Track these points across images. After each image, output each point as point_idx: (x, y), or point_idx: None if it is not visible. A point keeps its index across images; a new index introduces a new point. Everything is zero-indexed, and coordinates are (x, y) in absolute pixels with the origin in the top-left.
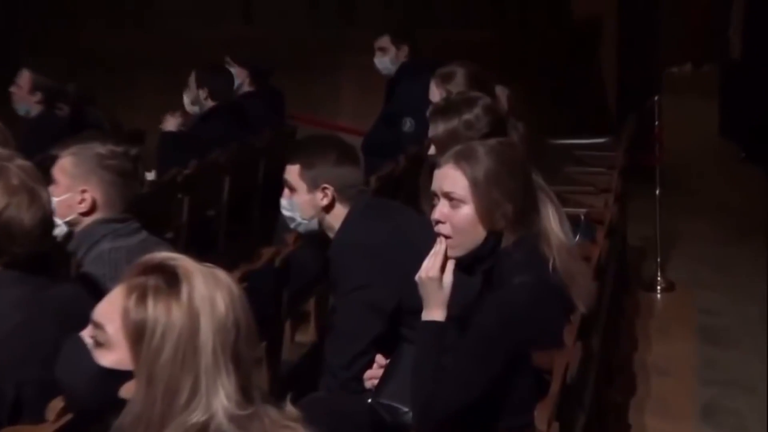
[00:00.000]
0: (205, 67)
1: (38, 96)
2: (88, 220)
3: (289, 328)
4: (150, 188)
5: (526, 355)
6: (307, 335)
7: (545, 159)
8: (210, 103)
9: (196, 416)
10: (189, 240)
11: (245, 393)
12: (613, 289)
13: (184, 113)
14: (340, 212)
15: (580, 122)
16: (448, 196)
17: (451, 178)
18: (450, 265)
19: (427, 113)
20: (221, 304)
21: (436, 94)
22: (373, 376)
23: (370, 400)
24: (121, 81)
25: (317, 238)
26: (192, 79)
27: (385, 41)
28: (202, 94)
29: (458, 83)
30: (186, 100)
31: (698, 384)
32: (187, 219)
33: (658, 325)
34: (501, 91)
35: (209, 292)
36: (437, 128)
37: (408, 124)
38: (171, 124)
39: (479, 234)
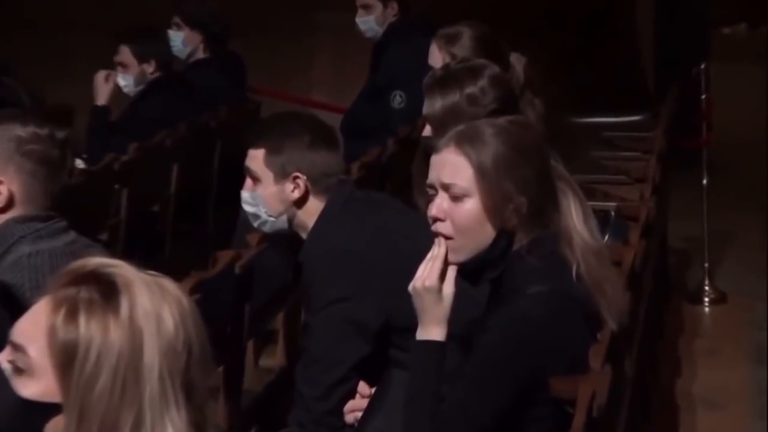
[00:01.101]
0: (137, 35)
1: None
2: (2, 218)
3: (252, 350)
4: (80, 178)
5: (543, 383)
6: (274, 359)
7: (567, 141)
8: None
9: None
10: (128, 242)
11: (199, 429)
12: (651, 300)
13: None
14: (314, 207)
15: (609, 96)
16: (449, 188)
17: (452, 166)
18: (451, 273)
19: (423, 85)
20: (169, 320)
21: (438, 58)
22: (355, 408)
23: None
24: (46, 46)
25: (287, 239)
26: (126, 56)
27: None
28: (149, 68)
29: (464, 46)
30: (124, 82)
31: (754, 418)
32: (125, 216)
33: (706, 346)
34: (517, 60)
35: (154, 306)
36: (434, 104)
37: (398, 99)
38: (104, 94)
39: (487, 234)
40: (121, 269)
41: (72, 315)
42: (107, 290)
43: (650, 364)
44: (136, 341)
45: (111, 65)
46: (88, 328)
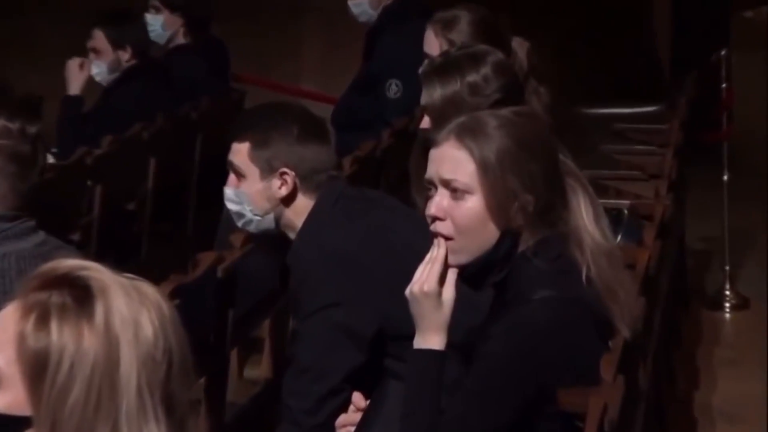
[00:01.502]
0: (112, 19)
1: None
2: None
3: (236, 360)
4: (49, 174)
5: (550, 395)
6: (259, 369)
7: (576, 134)
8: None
9: None
10: (101, 243)
11: None
12: (667, 306)
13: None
14: (303, 205)
15: (622, 85)
16: (449, 185)
17: (452, 161)
18: (451, 276)
19: (420, 73)
20: (148, 328)
21: (434, 45)
22: (347, 422)
23: None
24: (13, 30)
25: (273, 239)
26: (100, 42)
27: None
28: (124, 55)
29: (462, 32)
30: (97, 69)
31: None
32: (98, 214)
33: (727, 355)
34: (519, 45)
35: (132, 312)
36: (433, 93)
37: (394, 88)
38: (78, 83)
39: (490, 234)
40: (96, 272)
41: (43, 321)
42: (81, 295)
43: (666, 374)
44: (113, 350)
45: (84, 52)
46: (60, 335)
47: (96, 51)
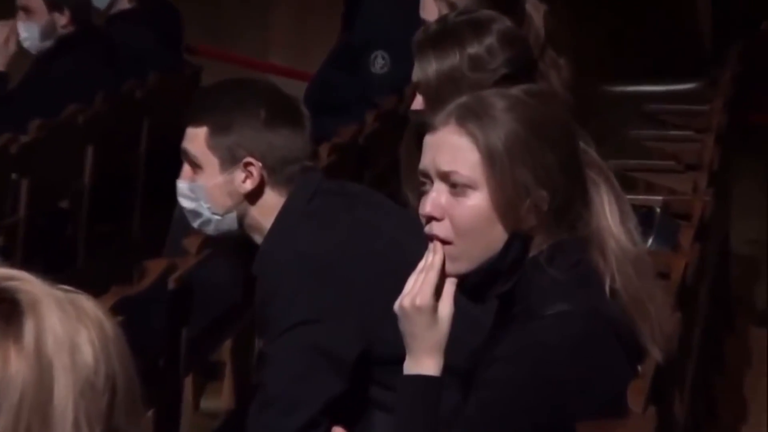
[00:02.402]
0: None
1: None
2: None
3: (191, 388)
4: None
5: (568, 429)
6: (218, 400)
7: (601, 117)
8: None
9: None
10: (30, 248)
11: None
12: (708, 323)
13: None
14: (272, 202)
15: (655, 58)
16: (448, 179)
17: (452, 149)
18: (449, 287)
19: (413, 43)
20: (87, 350)
21: (432, 10)
22: None
23: None
24: None
25: (236, 243)
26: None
27: None
28: (61, 19)
29: None
30: (26, 33)
31: None
32: (25, 214)
33: None
34: (534, 8)
35: (68, 331)
36: (427, 68)
37: (380, 62)
38: (1, 58)
39: (496, 237)
40: (26, 283)
41: None
42: (8, 310)
43: (707, 404)
44: (45, 376)
45: (12, 10)
46: None
47: (27, 10)
